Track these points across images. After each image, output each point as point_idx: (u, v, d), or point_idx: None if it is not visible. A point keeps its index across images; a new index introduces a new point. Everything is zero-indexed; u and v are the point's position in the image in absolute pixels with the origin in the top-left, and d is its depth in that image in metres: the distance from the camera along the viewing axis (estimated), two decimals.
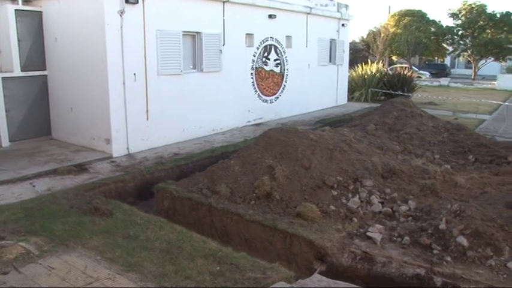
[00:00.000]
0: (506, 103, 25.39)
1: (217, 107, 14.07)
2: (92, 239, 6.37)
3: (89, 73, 11.30)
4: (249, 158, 8.86)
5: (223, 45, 14.08)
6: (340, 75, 21.83)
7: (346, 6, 21.57)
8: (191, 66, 13.42)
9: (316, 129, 12.22)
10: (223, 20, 14.00)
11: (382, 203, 8.01)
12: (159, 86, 12.08)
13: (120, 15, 10.86)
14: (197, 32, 13.28)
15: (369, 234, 6.99)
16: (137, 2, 11.15)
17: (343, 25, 21.35)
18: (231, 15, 14.23)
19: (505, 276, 5.93)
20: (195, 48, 13.42)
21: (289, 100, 17.59)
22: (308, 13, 18.25)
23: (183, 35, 12.72)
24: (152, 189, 8.91)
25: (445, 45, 49.57)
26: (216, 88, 13.98)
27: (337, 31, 21.01)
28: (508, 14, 44.85)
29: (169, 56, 12.26)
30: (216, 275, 5.51)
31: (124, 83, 11.18)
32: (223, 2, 13.88)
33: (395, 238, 6.93)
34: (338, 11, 20.82)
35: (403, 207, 7.85)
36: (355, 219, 7.51)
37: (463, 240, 6.45)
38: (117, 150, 11.26)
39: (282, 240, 7.16)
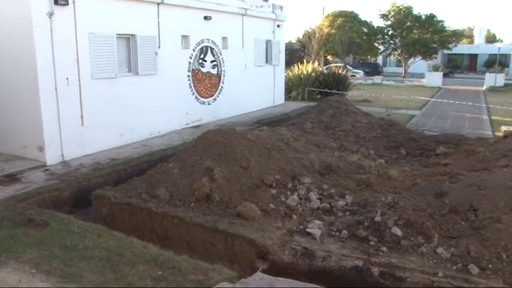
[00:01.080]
0: (434, 99, 26.74)
1: (154, 110, 13.88)
2: (26, 252, 6.10)
3: (19, 78, 10.80)
4: (188, 161, 8.82)
5: (159, 47, 13.91)
6: (277, 75, 22.12)
7: (281, 7, 21.90)
8: (126, 70, 13.16)
9: (254, 129, 12.34)
10: (158, 22, 13.84)
11: (320, 199, 8.21)
12: (94, 90, 11.76)
13: (50, 17, 10.46)
14: (132, 35, 13.04)
15: (308, 230, 7.15)
16: (67, 4, 10.78)
17: (278, 26, 21.65)
18: (166, 17, 14.09)
19: (434, 261, 6.28)
20: (129, 51, 13.17)
21: (227, 101, 17.63)
22: (243, 14, 18.38)
23: (117, 37, 12.45)
24: (90, 197, 8.66)
25: (376, 44, 51.59)
26: (152, 91, 13.79)
27: (273, 32, 21.28)
28: (432, 16, 47.47)
29: (103, 59, 11.96)
30: (159, 280, 5.46)
31: (56, 88, 10.78)
32: (158, 4, 13.72)
33: (334, 233, 7.13)
34: (273, 12, 21.10)
35: (341, 202, 8.10)
36: (294, 217, 7.65)
37: (397, 231, 6.75)
38: (51, 158, 10.84)
39: (224, 241, 7.18)
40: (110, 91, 12.29)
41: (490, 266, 6.07)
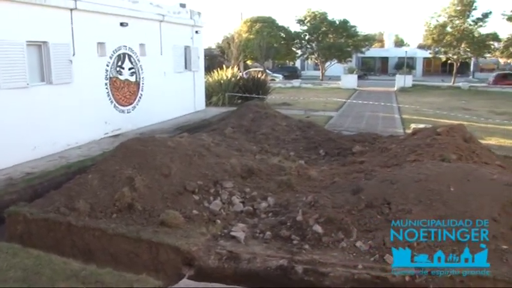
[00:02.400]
0: (349, 100, 27.92)
1: (70, 120, 13.36)
2: None
3: None
4: (107, 171, 8.59)
5: (73, 55, 13.43)
6: (197, 81, 22.08)
7: (199, 13, 21.90)
8: (39, 79, 12.56)
9: (175, 136, 12.25)
10: (72, 28, 13.35)
11: (243, 202, 8.33)
12: (2, 101, 11.12)
13: None
14: (43, 42, 12.47)
15: (232, 233, 7.23)
16: None
17: (196, 32, 21.63)
18: (80, 24, 13.63)
19: (354, 254, 6.60)
20: (42, 59, 12.59)
21: (147, 109, 17.34)
22: (161, 20, 18.19)
23: (28, 45, 11.86)
24: (2, 215, 8.18)
25: (294, 49, 52.88)
26: (68, 101, 13.27)
27: (191, 38, 21.23)
28: (345, 21, 49.58)
29: (12, 68, 11.33)
30: None
31: None
32: (71, 10, 13.23)
33: (258, 234, 7.25)
34: (191, 18, 21.06)
35: (263, 204, 8.25)
36: (218, 221, 7.70)
37: (318, 228, 7.00)
38: None
39: (148, 250, 7.08)
40: (21, 102, 11.66)
41: None
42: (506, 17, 41.67)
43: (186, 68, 20.87)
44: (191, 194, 8.27)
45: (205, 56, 24.48)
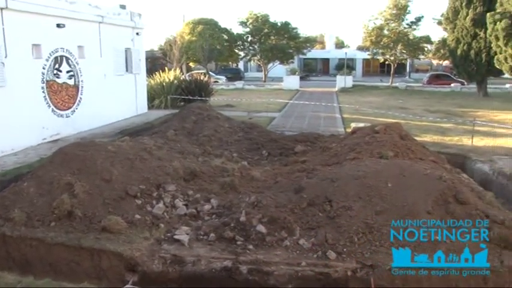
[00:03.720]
0: (292, 101, 28.35)
1: (5, 126, 12.77)
2: None
3: None
4: (45, 178, 8.30)
5: (6, 57, 12.85)
6: (139, 84, 21.68)
7: (139, 14, 21.53)
8: None
9: (116, 140, 12.00)
10: (3, 29, 12.75)
11: (186, 205, 8.29)
12: None
13: None
14: None
15: (176, 237, 7.19)
16: None
17: (137, 34, 21.25)
18: (12, 24, 13.03)
19: (297, 252, 6.74)
20: None
21: (87, 113, 16.84)
22: (100, 22, 17.73)
23: None
24: None
25: (237, 50, 53.07)
26: (1, 105, 12.69)
27: (132, 40, 20.84)
28: (287, 23, 50.33)
29: None
30: None
31: None
32: (1, 9, 12.64)
33: (201, 237, 7.25)
34: (131, 19, 20.66)
35: (207, 206, 8.25)
36: (161, 225, 7.62)
37: (262, 228, 7.09)
38: None
39: (90, 258, 6.93)
40: None
41: (345, 249, 6.68)
42: (437, 21, 44.29)
43: (127, 70, 20.42)
44: (133, 199, 8.13)
45: (147, 58, 24.08)
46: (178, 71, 28.70)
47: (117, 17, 19.29)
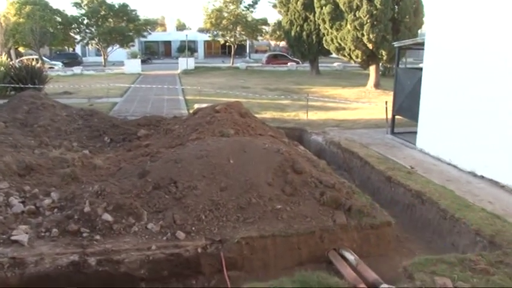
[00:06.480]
0: (134, 85, 27.71)
1: None
2: None
3: None
4: None
5: None
6: None
7: None
8: None
9: None
10: None
11: (23, 202, 7.64)
12: None
13: None
14: None
15: (13, 238, 6.61)
16: None
17: None
18: None
19: (147, 237, 6.71)
20: None
21: None
22: None
23: None
24: None
25: (72, 34, 49.80)
26: None
27: None
28: (125, 5, 48.60)
29: None
30: None
31: None
32: None
33: (43, 233, 6.78)
34: None
35: (47, 201, 7.71)
36: None
37: (108, 217, 6.90)
38: None
39: None
40: None
41: (193, 228, 6.85)
42: (272, 4, 46.87)
43: None
44: None
45: None
46: (5, 56, 26.06)
47: None
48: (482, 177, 9.67)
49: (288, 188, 7.75)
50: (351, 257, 6.79)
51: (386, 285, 5.64)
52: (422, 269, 5.68)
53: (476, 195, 8.62)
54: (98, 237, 6.64)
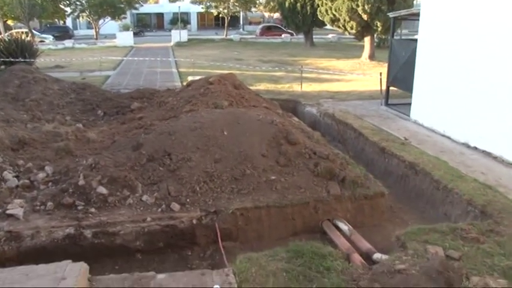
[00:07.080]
0: (127, 58, 27.42)
1: None
2: None
3: None
4: None
5: None
6: None
7: None
8: None
9: None
10: None
11: (17, 176, 7.63)
12: None
13: None
14: None
15: (9, 212, 6.63)
16: None
17: None
18: None
19: (142, 209, 6.75)
20: None
21: None
22: None
23: None
24: None
25: (63, 6, 48.81)
26: None
27: None
28: None
29: None
30: None
31: None
32: None
33: (38, 207, 6.80)
34: None
35: (41, 175, 7.71)
36: None
37: (102, 189, 6.91)
38: None
39: None
40: None
41: (188, 200, 6.89)
42: None
43: None
44: None
45: None
46: None
47: None
48: (475, 148, 9.71)
49: (282, 159, 7.77)
50: (344, 227, 6.86)
51: (379, 255, 5.71)
52: (415, 238, 5.75)
53: (469, 166, 8.68)
54: (93, 210, 6.66)
